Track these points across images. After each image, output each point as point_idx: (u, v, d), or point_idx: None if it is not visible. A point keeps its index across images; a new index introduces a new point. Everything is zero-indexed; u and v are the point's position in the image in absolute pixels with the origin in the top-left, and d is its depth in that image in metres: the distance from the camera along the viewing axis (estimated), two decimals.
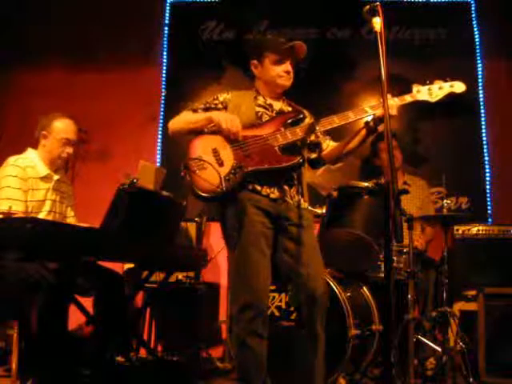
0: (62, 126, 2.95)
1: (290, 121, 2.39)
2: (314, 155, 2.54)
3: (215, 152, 2.30)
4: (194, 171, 2.23)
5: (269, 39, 2.48)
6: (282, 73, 2.41)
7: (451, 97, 2.37)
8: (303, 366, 2.27)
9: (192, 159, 2.26)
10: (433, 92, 2.32)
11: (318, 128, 2.36)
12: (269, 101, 2.47)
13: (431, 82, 2.34)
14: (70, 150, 2.97)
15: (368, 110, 2.35)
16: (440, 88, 2.33)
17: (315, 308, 2.24)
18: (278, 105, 2.49)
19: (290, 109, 2.51)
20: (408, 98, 2.35)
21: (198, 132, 2.38)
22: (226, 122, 2.27)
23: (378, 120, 2.34)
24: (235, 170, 2.25)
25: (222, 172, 2.23)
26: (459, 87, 2.34)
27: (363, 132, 2.41)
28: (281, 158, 2.29)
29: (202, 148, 2.31)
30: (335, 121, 2.35)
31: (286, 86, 2.46)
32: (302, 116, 2.43)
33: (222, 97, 2.46)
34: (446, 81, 2.35)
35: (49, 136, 2.94)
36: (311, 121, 2.41)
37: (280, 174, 2.33)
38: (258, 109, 2.43)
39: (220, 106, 2.43)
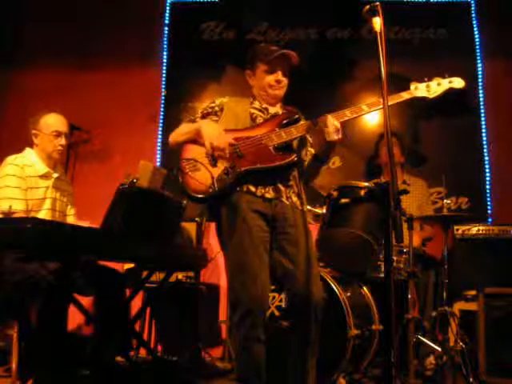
0: (50, 120, 2.95)
1: (284, 121, 2.36)
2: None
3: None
4: (187, 172, 2.23)
5: (260, 48, 2.43)
6: (272, 82, 2.38)
7: (451, 95, 2.35)
8: (296, 370, 2.25)
9: (185, 160, 2.26)
10: (431, 89, 2.27)
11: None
12: (265, 105, 2.45)
13: (429, 80, 2.30)
14: (62, 141, 2.95)
15: (364, 107, 2.28)
16: (438, 84, 2.28)
17: (310, 312, 2.19)
18: (273, 109, 2.46)
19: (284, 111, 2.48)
20: (405, 95, 2.28)
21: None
22: (211, 139, 2.19)
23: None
24: (228, 170, 2.23)
25: (215, 173, 2.22)
26: (459, 83, 2.31)
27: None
28: (274, 157, 2.27)
29: (195, 148, 2.29)
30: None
31: (279, 95, 2.43)
32: (296, 117, 2.39)
33: (219, 100, 2.44)
34: (444, 77, 2.30)
35: (39, 133, 2.93)
36: (308, 122, 2.37)
37: (275, 174, 2.30)
38: (252, 111, 2.41)
39: (217, 108, 2.42)
